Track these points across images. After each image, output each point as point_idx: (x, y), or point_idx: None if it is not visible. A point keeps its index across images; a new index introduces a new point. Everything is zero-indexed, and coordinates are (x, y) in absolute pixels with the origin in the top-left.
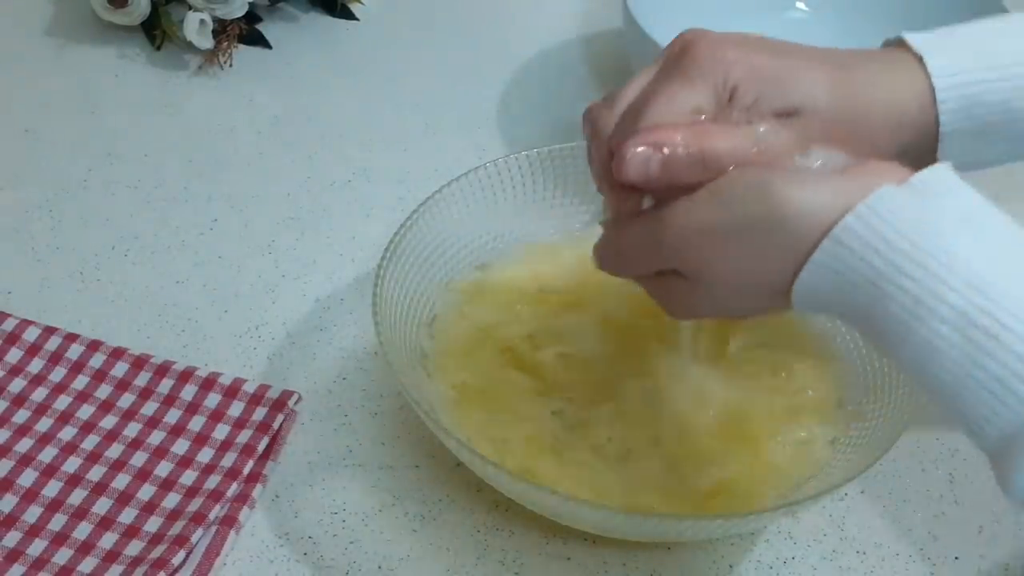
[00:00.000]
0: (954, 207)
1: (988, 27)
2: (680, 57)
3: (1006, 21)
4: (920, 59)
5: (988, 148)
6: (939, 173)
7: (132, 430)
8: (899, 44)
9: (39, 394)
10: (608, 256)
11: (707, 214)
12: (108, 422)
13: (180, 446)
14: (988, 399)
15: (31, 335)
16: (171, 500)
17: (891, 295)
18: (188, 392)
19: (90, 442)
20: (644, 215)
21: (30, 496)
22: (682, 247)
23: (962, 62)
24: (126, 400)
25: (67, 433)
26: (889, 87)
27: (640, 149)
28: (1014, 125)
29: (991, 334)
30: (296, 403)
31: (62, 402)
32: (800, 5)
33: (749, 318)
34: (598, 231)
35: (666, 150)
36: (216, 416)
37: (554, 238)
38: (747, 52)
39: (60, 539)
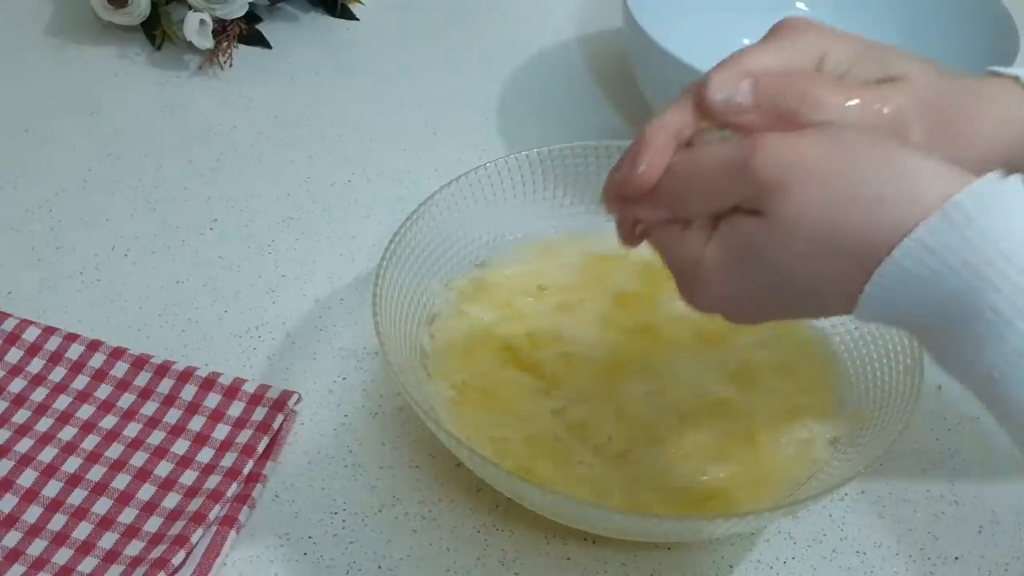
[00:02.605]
0: None
1: None
2: (776, 27)
3: None
4: (1016, 78)
5: None
6: None
7: (132, 430)
8: (991, 74)
9: (39, 394)
10: (665, 191)
11: (814, 147)
12: (108, 422)
13: (180, 446)
14: None
15: (31, 335)
16: (171, 500)
17: (997, 286)
18: (188, 392)
19: (90, 442)
20: (731, 140)
21: (30, 496)
22: (774, 172)
23: None
24: (126, 400)
25: (67, 433)
26: (990, 94)
27: (734, 74)
28: None
29: None
30: (296, 403)
31: (62, 402)
32: (800, 5)
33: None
34: (597, 231)
35: (763, 80)
36: (216, 416)
37: (554, 237)
38: (842, 34)
39: (60, 539)
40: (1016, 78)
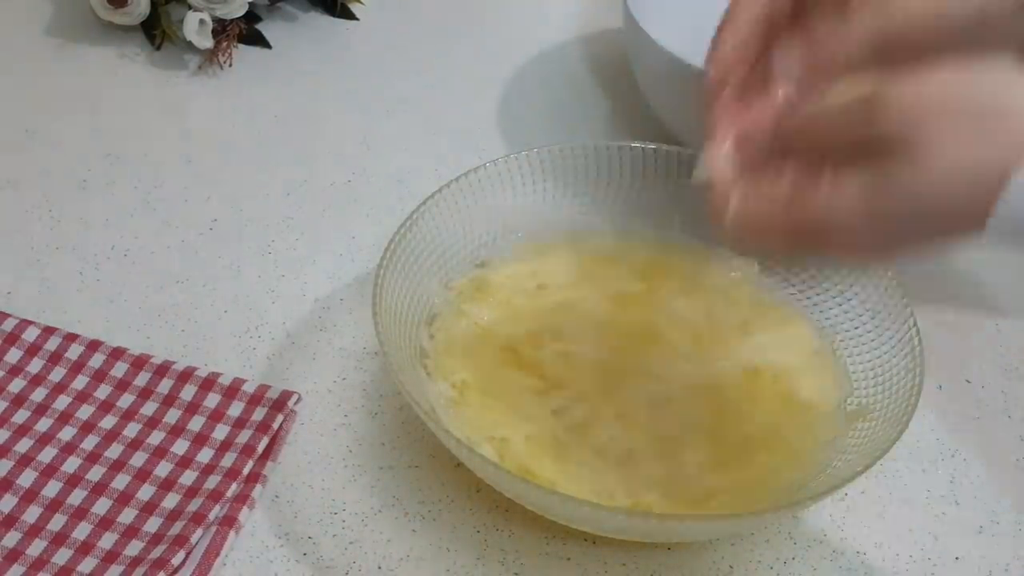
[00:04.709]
0: None
1: None
2: None
3: None
4: None
5: None
6: None
7: (132, 430)
8: None
9: (39, 394)
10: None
11: (957, 75)
12: (108, 422)
13: (180, 446)
14: None
15: (31, 335)
16: (171, 500)
17: None
18: (188, 392)
19: (90, 442)
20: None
21: (30, 496)
22: (912, 108)
23: None
24: (126, 400)
25: (67, 433)
26: None
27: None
28: None
29: None
30: (296, 403)
31: (62, 402)
32: None
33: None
34: (598, 231)
35: None
36: (216, 416)
37: (554, 238)
38: None
39: (60, 539)
40: None
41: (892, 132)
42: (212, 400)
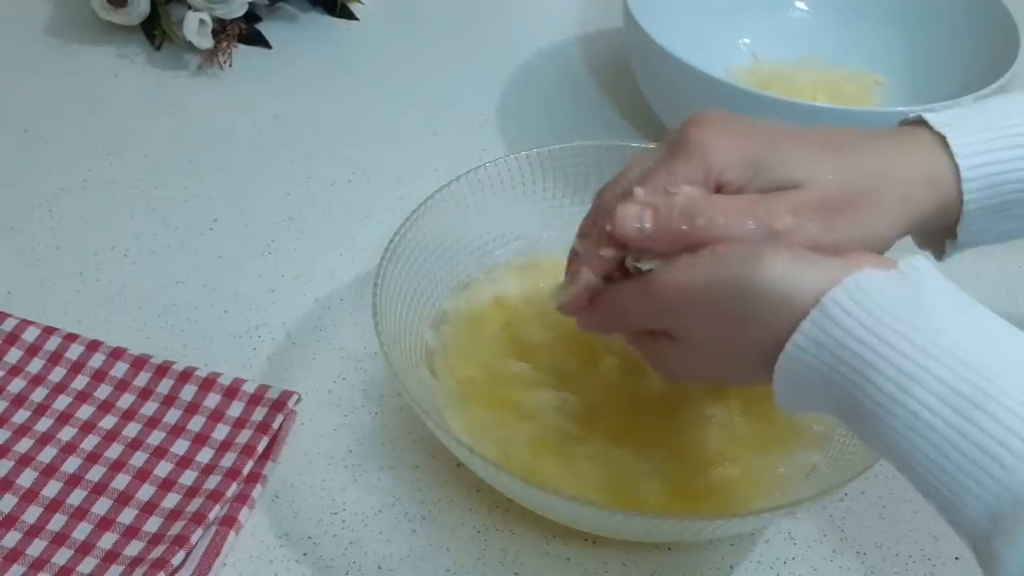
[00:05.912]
0: (936, 289)
1: (1006, 105)
2: (676, 141)
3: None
4: (943, 138)
5: (1007, 222)
6: (921, 262)
7: (132, 430)
8: (917, 122)
9: (39, 394)
10: (596, 316)
11: (702, 275)
12: (108, 422)
13: (180, 446)
14: (972, 470)
15: (31, 335)
16: (171, 500)
17: (877, 367)
18: (188, 392)
19: (90, 442)
20: (638, 276)
21: (30, 496)
22: (675, 308)
23: (987, 142)
24: (126, 400)
25: (67, 433)
26: (894, 172)
27: (634, 208)
28: None
29: (977, 403)
30: (296, 403)
31: (62, 402)
32: (800, 5)
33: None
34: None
35: (659, 209)
36: (216, 416)
37: (554, 237)
38: (736, 139)
39: (60, 539)
40: (929, 127)
41: (661, 320)
42: (212, 400)
